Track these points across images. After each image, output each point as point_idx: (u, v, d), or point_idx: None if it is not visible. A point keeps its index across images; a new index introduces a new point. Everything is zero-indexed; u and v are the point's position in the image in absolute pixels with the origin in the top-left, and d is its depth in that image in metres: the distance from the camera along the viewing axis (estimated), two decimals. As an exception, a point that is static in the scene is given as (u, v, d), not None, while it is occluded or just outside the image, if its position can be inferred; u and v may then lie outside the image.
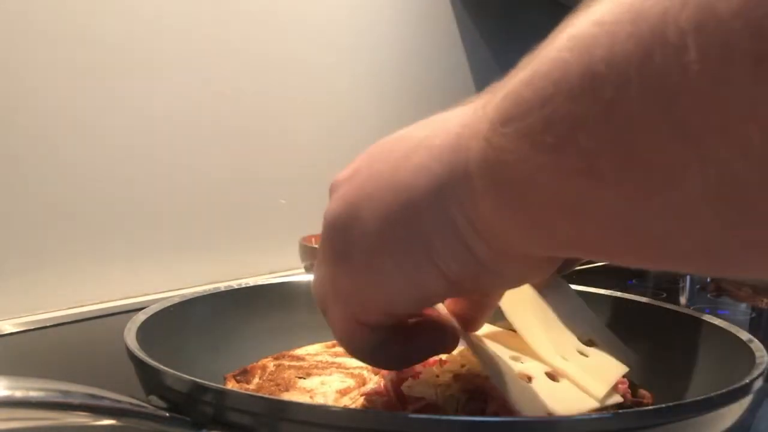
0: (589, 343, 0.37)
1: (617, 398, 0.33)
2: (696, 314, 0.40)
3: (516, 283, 0.27)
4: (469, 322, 0.32)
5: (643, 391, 0.37)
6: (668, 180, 0.17)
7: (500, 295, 0.32)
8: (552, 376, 0.32)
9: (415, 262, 0.24)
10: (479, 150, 0.21)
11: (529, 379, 0.31)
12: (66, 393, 0.24)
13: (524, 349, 0.34)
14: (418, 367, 0.34)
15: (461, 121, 0.23)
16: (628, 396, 0.35)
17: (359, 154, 0.29)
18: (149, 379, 0.30)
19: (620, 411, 0.33)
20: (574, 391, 0.31)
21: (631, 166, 0.17)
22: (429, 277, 0.24)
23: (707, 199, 0.16)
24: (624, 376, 0.36)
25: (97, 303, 0.68)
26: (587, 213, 0.19)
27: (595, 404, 0.31)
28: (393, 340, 0.27)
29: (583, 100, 0.18)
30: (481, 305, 0.31)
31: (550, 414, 0.29)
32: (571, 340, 0.36)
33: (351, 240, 0.26)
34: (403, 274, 0.24)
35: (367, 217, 0.25)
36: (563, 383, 0.32)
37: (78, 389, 0.24)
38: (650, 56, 0.16)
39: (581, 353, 0.35)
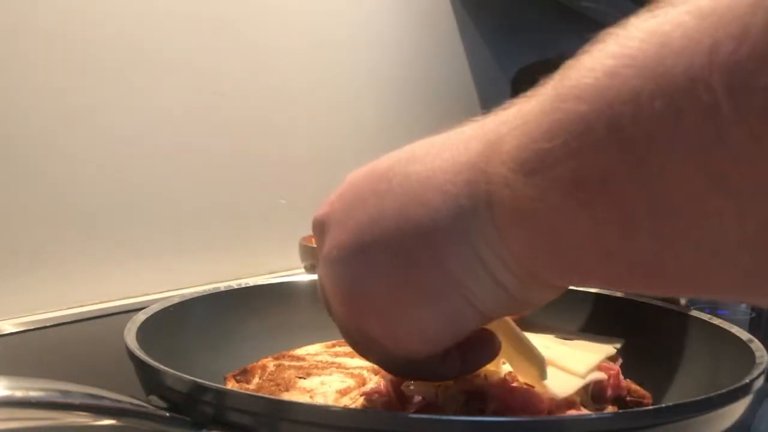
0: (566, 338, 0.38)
1: (601, 375, 0.33)
2: (696, 314, 0.40)
3: (539, 306, 0.27)
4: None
5: (643, 391, 0.37)
6: (704, 228, 0.17)
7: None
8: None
9: (452, 304, 0.24)
10: (505, 197, 0.21)
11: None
12: (66, 393, 0.24)
13: (507, 347, 0.34)
14: None
15: (474, 157, 0.23)
16: (626, 390, 0.36)
17: (342, 183, 0.28)
18: (149, 379, 0.30)
19: (620, 411, 0.33)
20: (558, 374, 0.32)
21: (665, 216, 0.17)
22: (466, 316, 0.24)
23: (745, 245, 0.17)
24: (624, 377, 0.36)
25: (97, 303, 0.68)
26: (620, 256, 0.19)
27: (580, 382, 0.31)
28: (433, 359, 0.27)
29: (611, 153, 0.18)
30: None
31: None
32: (551, 336, 0.37)
33: (370, 296, 0.25)
34: (437, 316, 0.24)
35: (380, 261, 0.24)
36: (549, 369, 0.32)
37: (78, 389, 0.24)
38: (681, 115, 0.16)
39: (563, 344, 0.36)
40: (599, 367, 0.34)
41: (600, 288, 0.26)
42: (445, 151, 0.24)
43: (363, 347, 0.28)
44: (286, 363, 0.42)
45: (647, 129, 0.17)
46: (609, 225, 0.19)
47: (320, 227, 0.28)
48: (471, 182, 0.23)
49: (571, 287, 0.42)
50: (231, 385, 0.39)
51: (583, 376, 0.32)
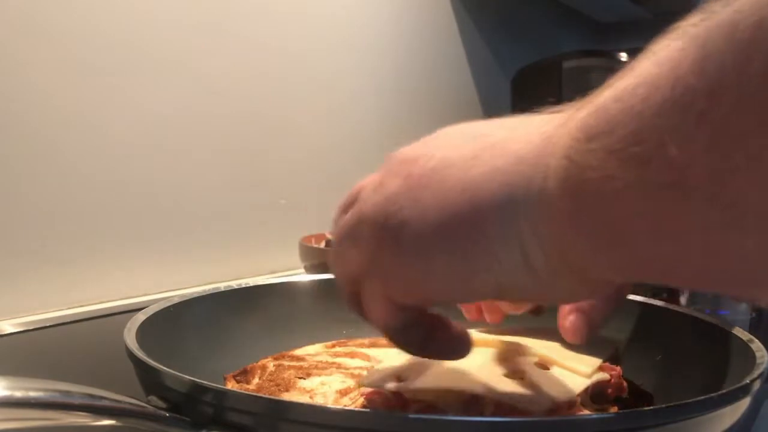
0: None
1: (604, 375, 0.33)
2: (696, 314, 0.40)
3: (561, 300, 0.26)
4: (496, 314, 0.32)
5: (643, 391, 0.37)
6: (765, 191, 0.17)
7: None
8: (542, 366, 0.32)
9: (472, 264, 0.24)
10: (560, 167, 0.21)
11: (522, 373, 0.31)
12: (66, 393, 0.24)
13: (510, 350, 0.34)
14: None
15: (542, 132, 0.23)
16: (627, 390, 0.36)
17: (418, 141, 0.28)
18: (149, 379, 0.30)
19: (620, 411, 0.33)
20: (565, 374, 0.32)
21: (722, 178, 0.17)
22: (481, 280, 0.24)
23: None
24: (624, 377, 0.36)
25: (97, 303, 0.68)
26: (670, 230, 0.19)
27: (586, 382, 0.31)
28: (418, 324, 0.27)
29: (672, 113, 0.18)
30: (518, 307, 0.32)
31: (553, 402, 0.29)
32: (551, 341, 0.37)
33: (405, 223, 0.25)
34: (455, 271, 0.24)
35: (428, 205, 0.25)
36: (554, 369, 0.32)
37: (78, 389, 0.24)
38: (750, 62, 0.16)
39: (566, 348, 0.36)
40: (601, 368, 0.34)
41: (631, 280, 0.25)
42: (533, 123, 0.24)
43: (366, 288, 0.28)
44: (286, 363, 0.42)
45: (710, 83, 0.17)
46: (663, 190, 0.18)
47: (395, 161, 0.28)
48: (538, 151, 0.23)
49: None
50: (231, 386, 0.39)
51: (589, 376, 0.32)
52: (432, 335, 0.28)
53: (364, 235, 0.27)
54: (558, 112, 0.23)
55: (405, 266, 0.25)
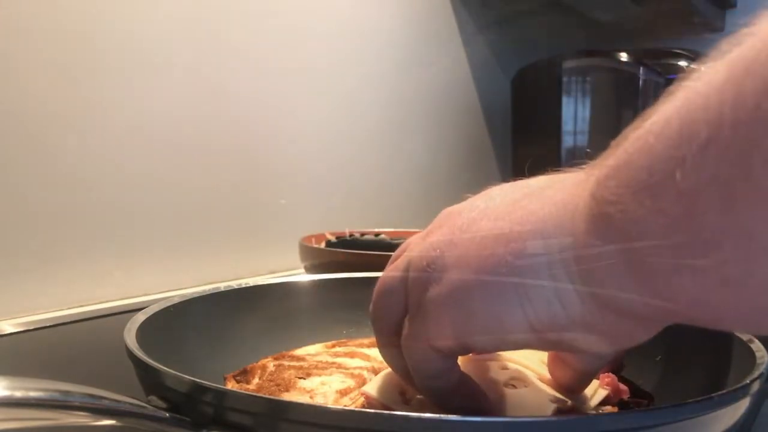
0: None
1: (603, 393, 0.33)
2: (696, 314, 0.40)
3: (602, 346, 0.26)
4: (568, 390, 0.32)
5: (643, 391, 0.37)
6: None
7: (594, 365, 0.31)
8: (541, 379, 0.32)
9: (505, 302, 0.25)
10: (586, 206, 0.22)
11: (525, 383, 0.31)
12: (66, 393, 0.24)
13: (511, 360, 0.34)
14: None
15: (576, 177, 0.24)
16: (627, 391, 0.36)
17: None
18: (149, 379, 0.30)
19: (620, 411, 0.33)
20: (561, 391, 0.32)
21: (729, 198, 0.17)
22: (515, 321, 0.25)
23: None
24: (624, 377, 0.36)
25: (97, 303, 0.68)
26: (687, 262, 0.19)
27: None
28: (449, 374, 0.28)
29: (680, 144, 0.18)
30: (578, 374, 0.32)
31: (557, 407, 0.29)
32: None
33: (446, 267, 0.26)
34: (490, 311, 0.25)
35: (466, 250, 0.26)
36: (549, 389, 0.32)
37: (78, 389, 0.24)
38: (743, 95, 0.17)
39: None
40: (599, 377, 0.34)
41: (667, 319, 0.24)
42: (570, 175, 0.26)
43: (409, 330, 0.28)
44: (286, 363, 0.42)
45: (713, 115, 0.18)
46: (676, 221, 0.19)
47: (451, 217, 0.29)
48: (571, 196, 0.24)
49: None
50: (231, 386, 0.39)
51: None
52: (457, 389, 0.29)
53: (409, 280, 0.28)
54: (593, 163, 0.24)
55: (445, 309, 0.26)
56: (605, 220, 0.21)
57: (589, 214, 0.22)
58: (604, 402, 0.34)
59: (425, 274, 0.27)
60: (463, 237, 0.26)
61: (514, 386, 0.31)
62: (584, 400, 0.32)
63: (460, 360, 0.34)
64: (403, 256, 0.30)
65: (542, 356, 0.35)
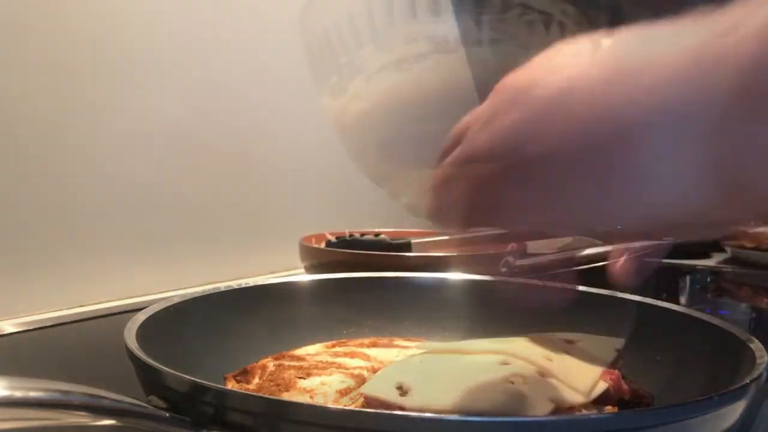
0: (569, 342, 0.38)
1: (603, 386, 0.33)
2: (696, 314, 0.40)
3: (710, 223, 0.24)
4: None
5: (643, 392, 0.37)
6: None
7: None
8: (543, 375, 0.32)
9: (624, 185, 0.22)
10: (735, 68, 0.20)
11: (524, 378, 0.31)
12: (66, 393, 0.24)
13: (511, 353, 0.34)
14: None
15: (694, 47, 0.21)
16: (627, 390, 0.36)
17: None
18: (149, 379, 0.30)
19: (620, 411, 0.33)
20: (563, 387, 0.32)
21: None
22: (633, 200, 0.22)
23: None
24: (624, 377, 0.36)
25: (97, 303, 0.68)
26: None
27: (582, 399, 0.31)
28: None
29: None
30: None
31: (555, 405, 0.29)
32: (550, 340, 0.37)
33: (536, 158, 0.23)
34: (606, 195, 0.23)
35: (564, 138, 0.23)
36: (553, 380, 0.32)
37: (78, 389, 0.24)
38: None
39: (564, 351, 0.36)
40: (601, 374, 0.34)
41: None
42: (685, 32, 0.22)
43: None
44: (286, 363, 0.42)
45: None
46: None
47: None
48: (691, 77, 0.21)
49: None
50: (231, 385, 0.39)
51: (587, 395, 0.32)
52: None
53: (476, 174, 0.25)
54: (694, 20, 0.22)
55: (538, 198, 0.24)
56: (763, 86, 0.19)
57: (740, 78, 0.19)
58: (605, 401, 0.34)
59: (504, 169, 0.24)
60: (553, 125, 0.23)
61: (513, 383, 0.31)
62: (583, 396, 0.32)
63: (459, 355, 0.34)
64: (464, 146, 0.26)
65: (545, 351, 0.35)
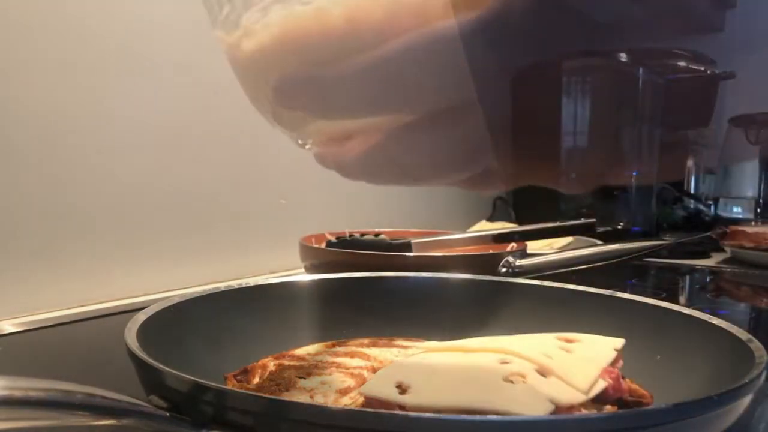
0: (569, 341, 0.38)
1: (602, 384, 0.33)
2: (696, 314, 0.40)
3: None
4: None
5: (642, 391, 0.37)
6: None
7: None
8: (542, 373, 0.32)
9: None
10: None
11: (523, 377, 0.31)
12: (66, 393, 0.24)
13: (511, 352, 0.34)
14: None
15: None
16: (627, 390, 0.36)
17: None
18: (149, 379, 0.30)
19: (620, 411, 0.33)
20: (563, 386, 0.32)
21: None
22: None
23: None
24: (624, 377, 0.36)
25: (97, 303, 0.68)
26: None
27: (582, 397, 0.31)
28: None
29: None
30: None
31: (554, 405, 0.29)
32: (550, 339, 0.37)
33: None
34: None
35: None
36: (552, 378, 0.32)
37: (78, 389, 0.24)
38: None
39: (564, 350, 0.36)
40: (600, 372, 0.34)
41: None
42: None
43: None
44: (287, 363, 0.42)
45: None
46: None
47: None
48: None
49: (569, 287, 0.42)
50: (231, 385, 0.39)
51: (586, 393, 0.32)
52: None
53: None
54: None
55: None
56: None
57: None
58: (604, 401, 0.34)
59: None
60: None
61: (513, 381, 0.31)
62: (582, 394, 0.32)
63: (459, 354, 0.34)
64: None
65: (545, 348, 0.35)
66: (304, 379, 0.39)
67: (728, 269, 0.96)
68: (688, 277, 0.94)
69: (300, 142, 0.27)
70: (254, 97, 0.25)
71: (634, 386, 0.37)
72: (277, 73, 0.23)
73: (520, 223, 1.17)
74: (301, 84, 0.22)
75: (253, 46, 0.24)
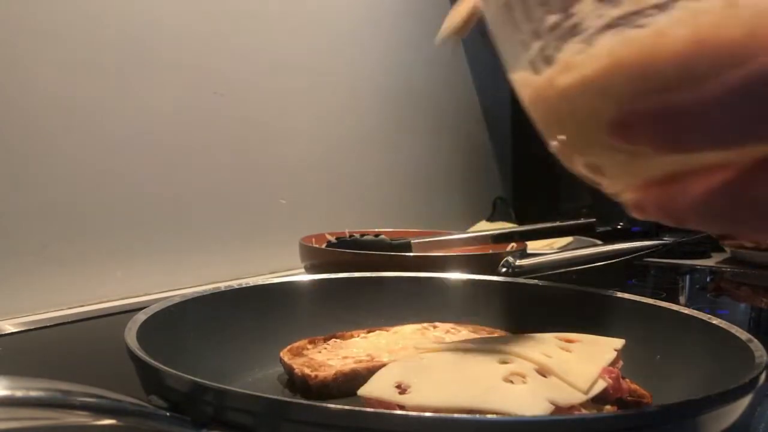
0: (569, 341, 0.38)
1: (602, 384, 0.33)
2: (696, 314, 0.40)
3: None
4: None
5: (643, 391, 0.37)
6: None
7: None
8: (542, 373, 0.32)
9: None
10: None
11: (523, 377, 0.31)
12: (66, 393, 0.24)
13: (511, 351, 0.34)
14: None
15: None
16: (627, 390, 0.36)
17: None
18: (149, 379, 0.30)
19: (620, 411, 0.33)
20: (562, 386, 0.32)
21: None
22: None
23: None
24: (624, 377, 0.36)
25: (97, 303, 0.68)
26: None
27: (582, 397, 0.31)
28: None
29: None
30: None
31: (554, 405, 0.29)
32: (550, 339, 0.37)
33: None
34: None
35: None
36: (552, 378, 0.32)
37: (78, 389, 0.24)
38: None
39: (564, 350, 0.36)
40: (600, 372, 0.34)
41: None
42: None
43: None
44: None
45: None
46: None
47: None
48: None
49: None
50: (288, 360, 0.42)
51: (586, 393, 0.32)
52: None
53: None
54: None
55: None
56: None
57: None
58: (604, 401, 0.34)
59: None
60: None
61: (512, 381, 0.31)
62: (582, 393, 0.32)
63: (459, 354, 0.34)
64: None
65: (545, 348, 0.35)
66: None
67: (728, 269, 0.96)
68: (688, 277, 0.94)
69: (611, 190, 0.24)
70: (564, 135, 0.22)
71: (634, 386, 0.37)
72: (613, 106, 0.20)
73: (520, 223, 1.17)
74: (653, 114, 0.19)
75: (571, 81, 0.21)
